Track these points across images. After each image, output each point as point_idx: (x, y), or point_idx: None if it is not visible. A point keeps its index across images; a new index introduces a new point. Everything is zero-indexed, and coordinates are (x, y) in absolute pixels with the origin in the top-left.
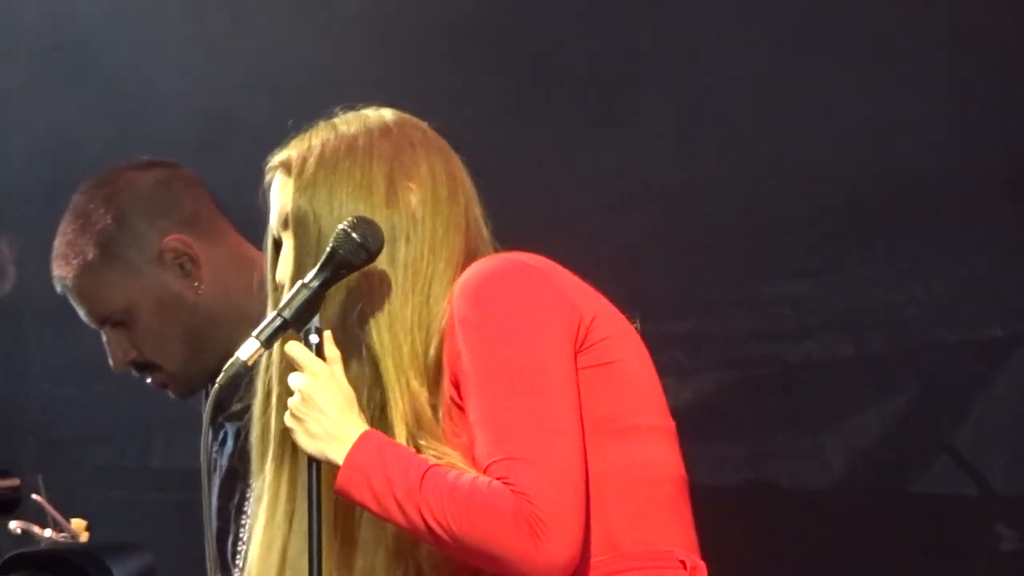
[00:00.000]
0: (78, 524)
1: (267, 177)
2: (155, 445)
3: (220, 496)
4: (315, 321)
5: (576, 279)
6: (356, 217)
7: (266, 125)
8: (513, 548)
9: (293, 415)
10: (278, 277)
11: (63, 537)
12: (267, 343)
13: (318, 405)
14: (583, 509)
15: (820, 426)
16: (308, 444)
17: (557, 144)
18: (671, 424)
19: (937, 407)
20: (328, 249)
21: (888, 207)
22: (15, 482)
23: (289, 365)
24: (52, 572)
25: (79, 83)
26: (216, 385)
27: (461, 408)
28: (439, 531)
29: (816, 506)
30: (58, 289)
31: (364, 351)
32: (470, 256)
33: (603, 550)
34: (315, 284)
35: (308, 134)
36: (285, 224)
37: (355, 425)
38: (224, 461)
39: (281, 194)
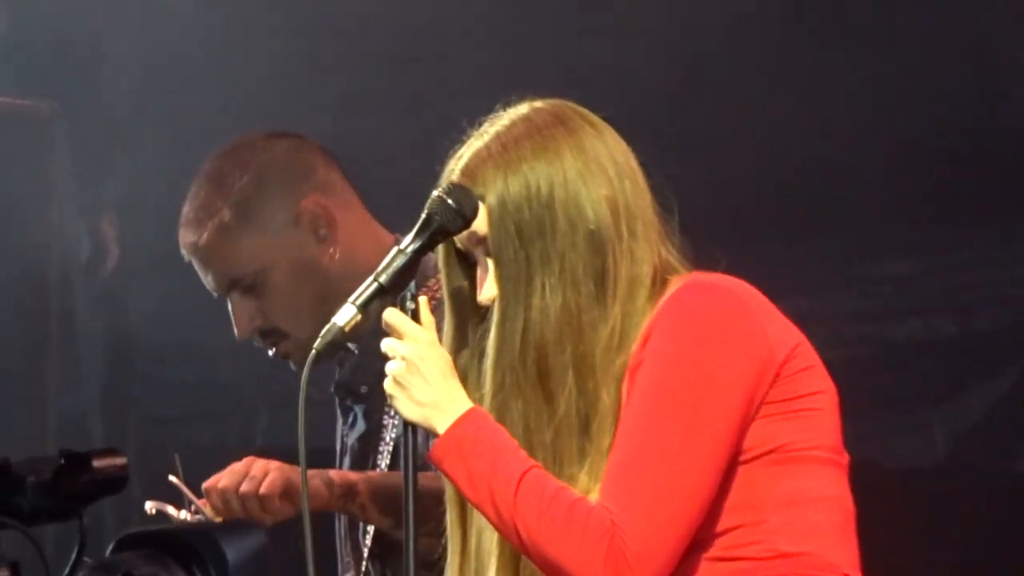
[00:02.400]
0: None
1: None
2: (258, 423)
3: None
4: (411, 287)
5: (774, 308)
6: (451, 183)
7: None
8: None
9: (397, 382)
10: (481, 298)
11: (198, 518)
12: (363, 308)
13: (423, 372)
14: (676, 558)
15: (924, 406)
16: (412, 411)
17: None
18: (846, 459)
19: None
20: (424, 215)
21: (995, 184)
22: (122, 460)
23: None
24: (164, 551)
25: None
26: (314, 350)
27: None
28: (524, 537)
29: (920, 486)
30: (185, 256)
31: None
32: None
33: (768, 553)
34: (411, 250)
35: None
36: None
37: (460, 395)
38: (354, 442)
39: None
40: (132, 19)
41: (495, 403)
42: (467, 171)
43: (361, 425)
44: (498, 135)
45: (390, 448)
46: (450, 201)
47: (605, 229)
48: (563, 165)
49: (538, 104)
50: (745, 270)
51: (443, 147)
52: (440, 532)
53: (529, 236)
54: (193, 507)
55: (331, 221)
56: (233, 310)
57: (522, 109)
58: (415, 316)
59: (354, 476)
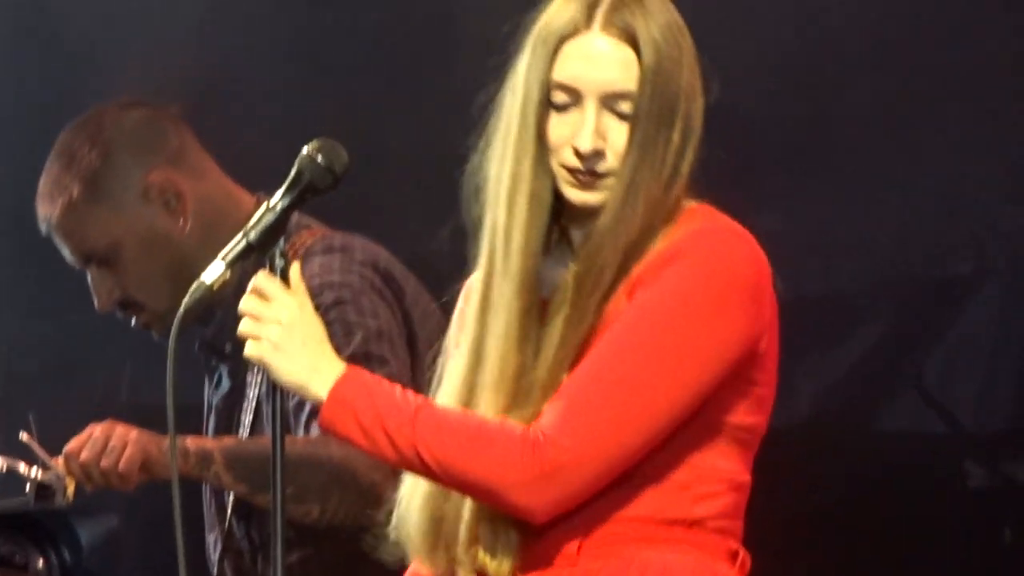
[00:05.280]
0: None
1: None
2: (122, 378)
3: (217, 436)
4: (280, 244)
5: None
6: (320, 140)
7: None
8: (507, 476)
9: (274, 345)
10: (582, 144)
11: (48, 476)
12: (231, 265)
13: (300, 337)
14: (601, 484)
15: (788, 362)
16: (289, 375)
17: None
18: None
19: (905, 344)
20: (293, 172)
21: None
22: None
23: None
24: (19, 531)
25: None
26: (182, 307)
27: None
28: (428, 459)
29: (781, 442)
30: (43, 229)
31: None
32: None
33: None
34: (280, 207)
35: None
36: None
37: (335, 360)
38: (219, 401)
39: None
40: None
41: (594, 267)
42: (619, 17)
43: (226, 384)
44: None
45: (253, 405)
46: (319, 158)
47: (696, 128)
48: (688, 44)
49: None
50: None
51: None
52: (301, 497)
53: (670, 108)
54: (44, 465)
55: (180, 193)
56: (92, 283)
57: None
58: (284, 273)
59: (210, 444)
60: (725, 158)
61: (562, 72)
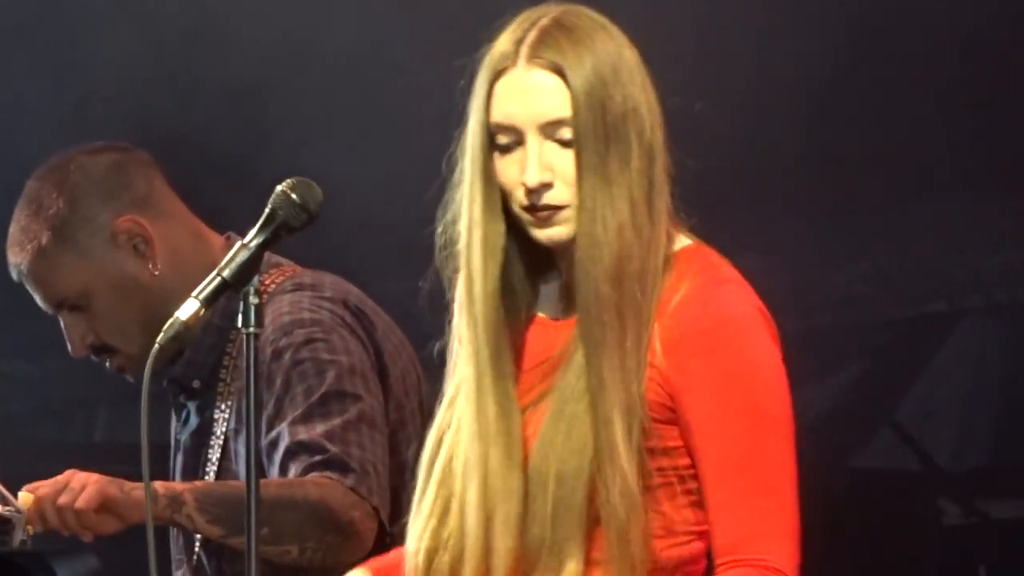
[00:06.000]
0: (25, 499)
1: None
2: (97, 418)
3: (184, 473)
4: (255, 281)
5: None
6: (295, 179)
7: None
8: None
9: None
10: (529, 179)
11: (8, 511)
12: (207, 303)
13: None
14: None
15: None
16: None
17: None
18: None
19: (881, 382)
20: (267, 210)
21: (830, 185)
22: None
23: None
24: None
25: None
26: (156, 345)
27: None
28: None
29: None
30: (15, 276)
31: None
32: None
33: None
34: (254, 244)
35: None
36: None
37: None
38: (187, 438)
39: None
40: None
41: (591, 302)
42: (543, 48)
43: (194, 421)
44: (559, 21)
45: (220, 442)
46: (294, 196)
47: (656, 140)
48: (630, 60)
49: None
50: None
51: None
52: (277, 538)
53: (614, 127)
54: (4, 500)
55: (148, 237)
56: (65, 329)
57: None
58: (259, 310)
59: (179, 486)
60: (701, 196)
61: (497, 112)
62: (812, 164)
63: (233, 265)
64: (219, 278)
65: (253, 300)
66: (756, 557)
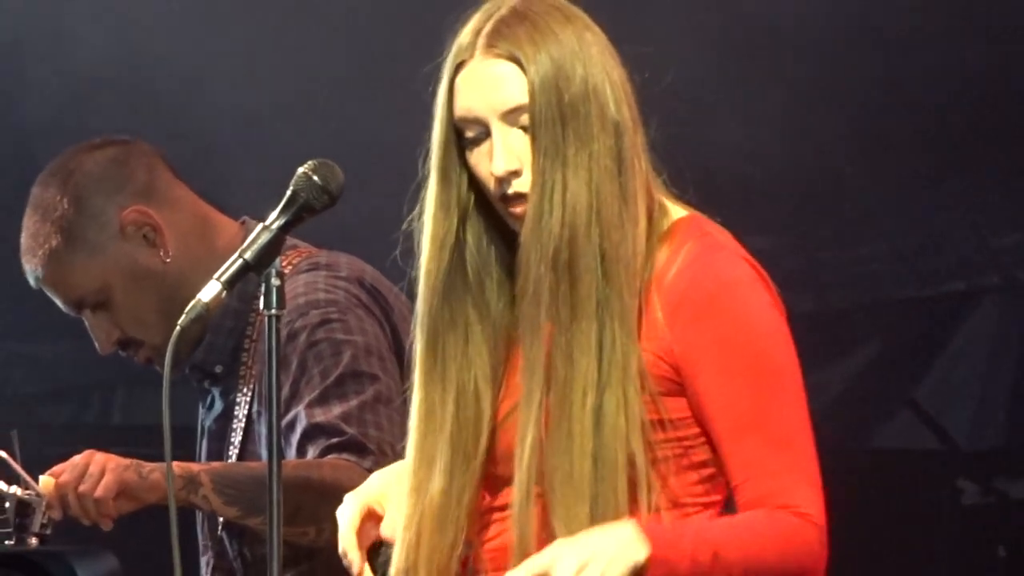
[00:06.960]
0: (46, 483)
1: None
2: (115, 401)
3: (210, 458)
4: (277, 263)
5: None
6: (317, 160)
7: None
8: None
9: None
10: (496, 168)
11: (28, 495)
12: (229, 285)
13: (597, 553)
14: None
15: None
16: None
17: None
18: None
19: (900, 363)
20: (289, 192)
21: (854, 164)
22: None
23: None
24: (17, 571)
25: None
26: (178, 326)
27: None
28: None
29: None
30: (33, 284)
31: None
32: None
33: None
34: (276, 226)
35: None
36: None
37: (617, 525)
38: (212, 423)
39: (512, 83)
40: None
41: (529, 283)
42: (499, 38)
43: (219, 406)
44: (516, 10)
45: (243, 425)
46: (316, 178)
47: (624, 118)
48: (591, 40)
49: None
50: None
51: None
52: (294, 519)
53: (572, 108)
54: (25, 484)
55: (156, 225)
56: (91, 330)
57: None
58: (280, 292)
59: (196, 467)
60: (723, 182)
61: (459, 107)
62: (825, 147)
63: (255, 247)
64: (241, 260)
65: (275, 282)
66: (787, 504)
